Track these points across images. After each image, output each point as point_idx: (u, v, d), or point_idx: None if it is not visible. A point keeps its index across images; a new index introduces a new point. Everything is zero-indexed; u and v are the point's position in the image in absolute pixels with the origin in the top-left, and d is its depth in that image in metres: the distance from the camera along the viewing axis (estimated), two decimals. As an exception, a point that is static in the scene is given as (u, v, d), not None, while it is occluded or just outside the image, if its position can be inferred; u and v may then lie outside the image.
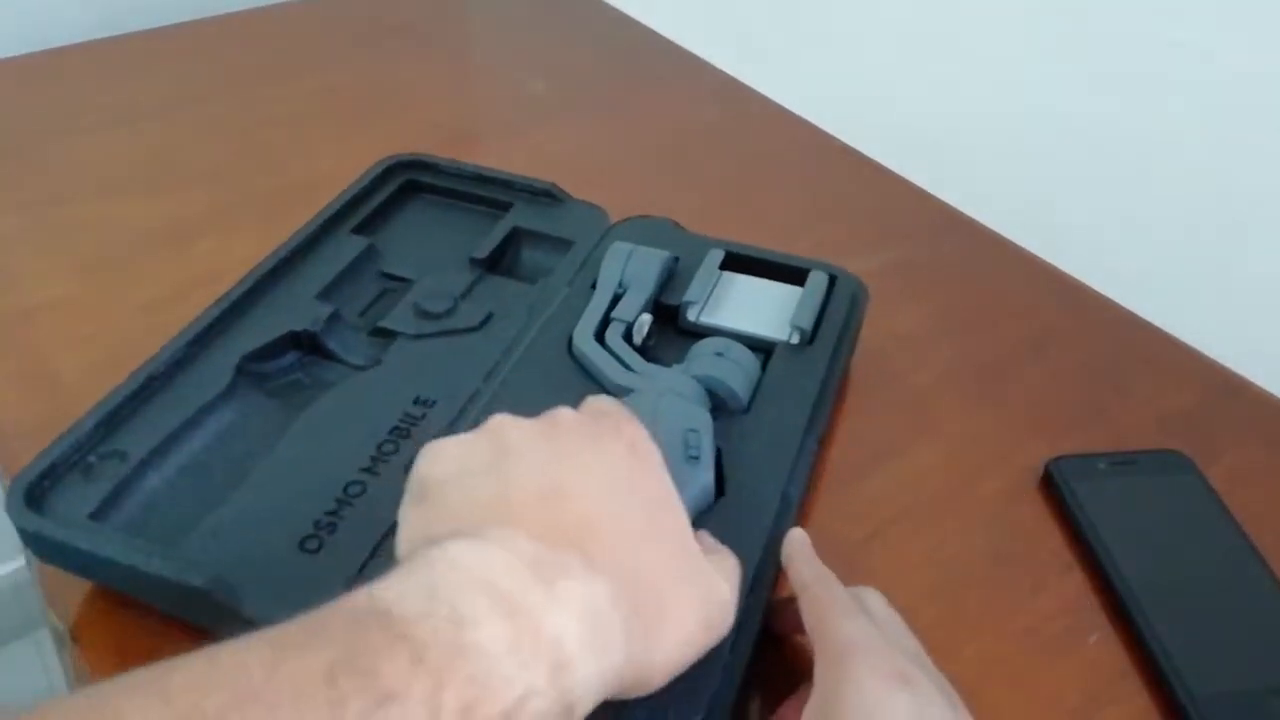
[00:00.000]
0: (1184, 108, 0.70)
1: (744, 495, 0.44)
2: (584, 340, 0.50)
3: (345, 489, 0.44)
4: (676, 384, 0.47)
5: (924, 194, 0.71)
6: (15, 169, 0.71)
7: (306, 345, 0.51)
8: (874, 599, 0.38)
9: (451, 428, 0.46)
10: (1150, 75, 0.72)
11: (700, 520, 0.42)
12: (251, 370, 0.49)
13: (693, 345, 0.51)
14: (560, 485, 0.32)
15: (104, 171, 0.71)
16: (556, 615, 0.29)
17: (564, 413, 0.36)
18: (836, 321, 0.53)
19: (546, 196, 0.61)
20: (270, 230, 0.56)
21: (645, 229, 0.58)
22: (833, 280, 0.55)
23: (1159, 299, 0.61)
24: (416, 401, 0.48)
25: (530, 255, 0.60)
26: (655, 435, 0.43)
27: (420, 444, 0.45)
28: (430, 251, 0.59)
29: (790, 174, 0.75)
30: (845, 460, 0.51)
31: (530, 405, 0.42)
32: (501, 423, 0.36)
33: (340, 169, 0.62)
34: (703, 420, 0.45)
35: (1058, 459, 0.50)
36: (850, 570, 0.45)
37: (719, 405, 0.48)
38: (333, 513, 0.42)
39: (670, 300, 0.54)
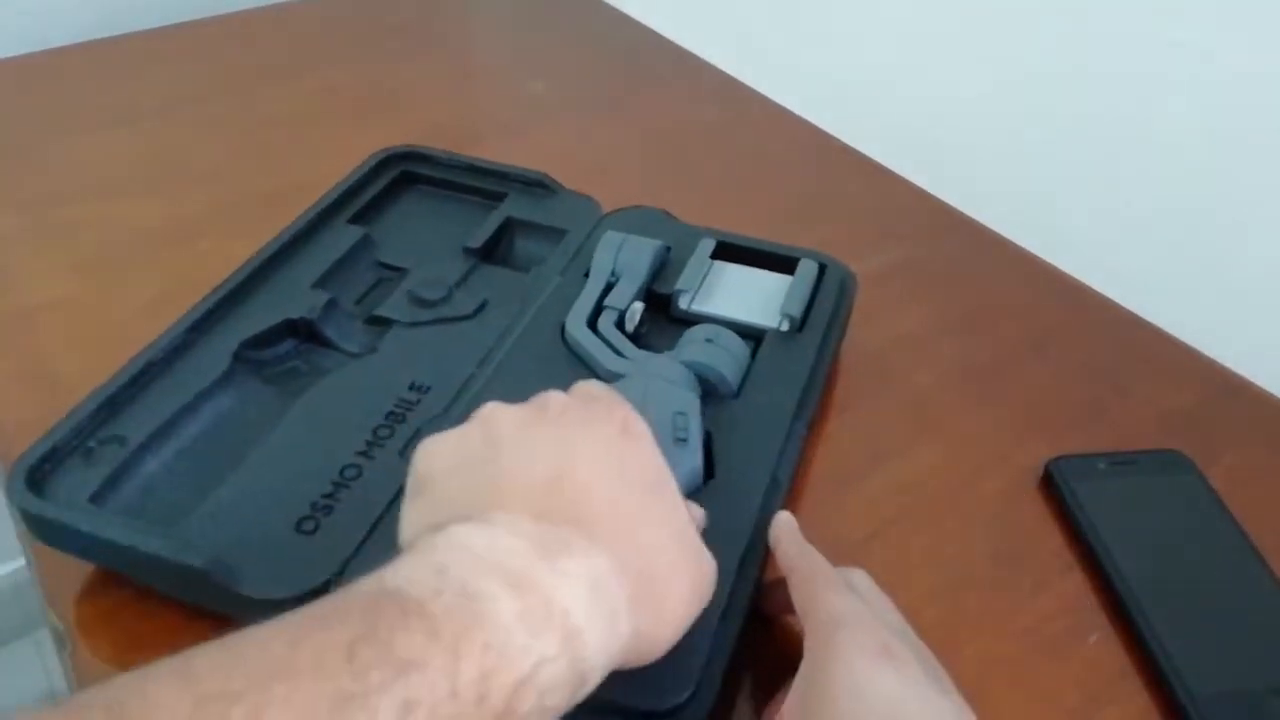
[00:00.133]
0: (1184, 108, 0.70)
1: (733, 478, 0.44)
2: (577, 327, 0.51)
3: (341, 472, 0.44)
4: (666, 370, 0.48)
5: (924, 194, 0.71)
6: (15, 169, 0.71)
7: (303, 333, 0.52)
8: (860, 578, 0.39)
9: (446, 413, 0.47)
10: (1150, 75, 0.72)
11: (689, 502, 0.43)
12: (249, 357, 0.50)
13: (684, 332, 0.51)
14: (557, 468, 0.33)
15: (104, 171, 0.71)
16: (564, 588, 0.29)
17: (554, 397, 0.37)
18: (826, 309, 0.53)
19: (539, 187, 0.62)
20: (270, 231, 0.56)
21: (637, 219, 0.59)
22: (822, 269, 0.55)
23: (1159, 299, 0.61)
24: (411, 387, 0.49)
25: (524, 244, 0.60)
26: (644, 418, 0.44)
27: (415, 429, 0.46)
28: (425, 241, 0.59)
29: (790, 173, 0.75)
30: (845, 460, 0.51)
31: (524, 391, 0.43)
32: (493, 411, 0.36)
33: (340, 169, 0.62)
34: (690, 403, 0.46)
35: (1058, 459, 0.50)
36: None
37: (709, 391, 0.49)
38: (329, 495, 0.43)
39: (662, 289, 0.55)
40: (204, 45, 0.89)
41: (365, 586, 0.28)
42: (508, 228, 0.60)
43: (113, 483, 0.43)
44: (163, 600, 0.42)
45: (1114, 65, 0.74)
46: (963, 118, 0.87)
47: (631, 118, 0.81)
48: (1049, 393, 0.55)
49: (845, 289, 0.56)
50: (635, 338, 0.53)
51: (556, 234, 0.59)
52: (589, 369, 0.50)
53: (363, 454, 0.45)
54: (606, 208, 0.61)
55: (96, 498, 0.42)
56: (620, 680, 0.35)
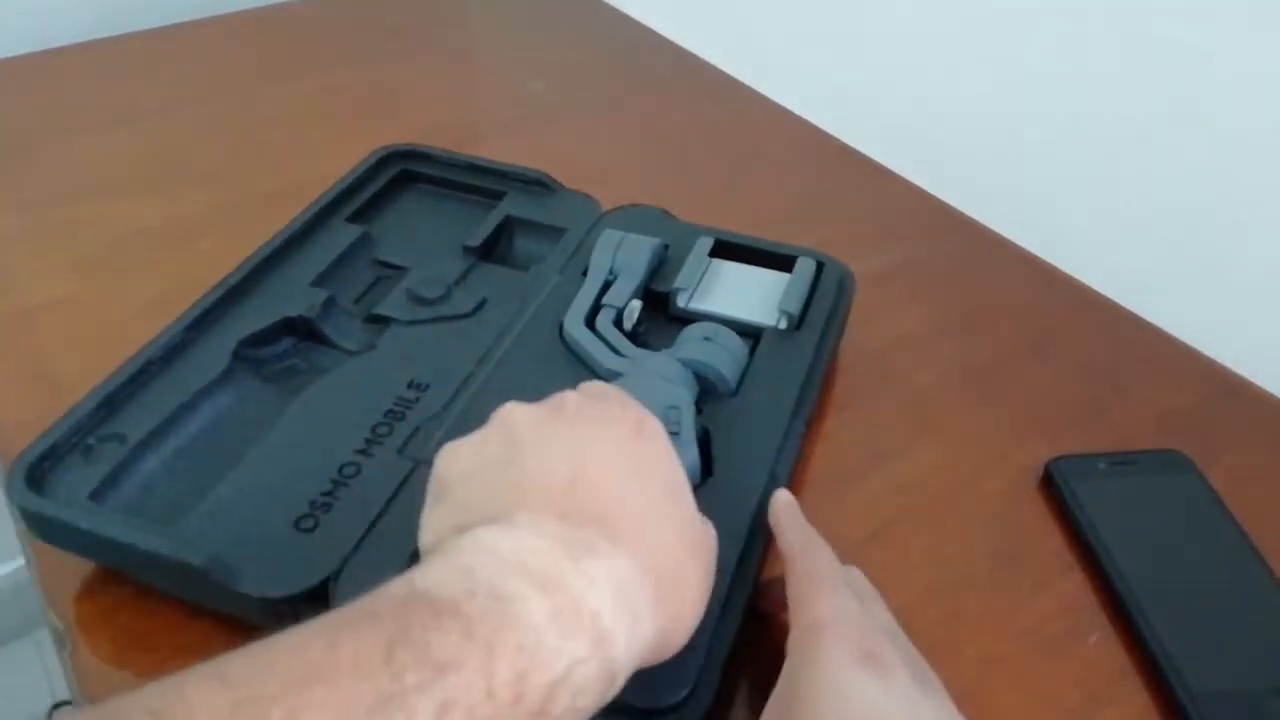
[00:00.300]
0: (1184, 108, 0.70)
1: (732, 475, 0.44)
2: (575, 326, 0.51)
3: (340, 470, 0.44)
4: (664, 368, 0.48)
5: (924, 194, 0.71)
6: (15, 169, 0.71)
7: (302, 331, 0.52)
8: (855, 576, 0.39)
9: (445, 411, 0.47)
10: (1150, 75, 0.72)
11: None
12: (248, 355, 0.50)
13: (682, 330, 0.51)
14: (578, 469, 0.33)
15: (104, 171, 0.71)
16: (591, 590, 0.29)
17: (569, 397, 0.37)
18: (824, 307, 0.54)
19: (538, 185, 0.62)
20: (270, 231, 0.56)
21: (636, 217, 0.59)
22: (820, 267, 0.55)
23: (1159, 299, 0.61)
24: (410, 385, 0.49)
25: (523, 243, 0.60)
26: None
27: (414, 427, 0.46)
28: (424, 239, 0.59)
29: (789, 173, 0.75)
30: (845, 460, 0.51)
31: (522, 389, 0.43)
32: (511, 412, 0.36)
33: (340, 169, 0.62)
34: (682, 398, 0.46)
35: (1058, 459, 0.50)
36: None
37: (708, 389, 0.49)
38: (328, 493, 0.43)
39: (660, 287, 0.55)
40: (204, 45, 0.89)
41: (395, 590, 0.28)
42: (507, 226, 0.60)
43: (112, 481, 0.43)
44: (162, 599, 0.42)
45: (1114, 65, 0.74)
46: (963, 118, 0.87)
47: (631, 118, 0.81)
48: (1049, 393, 0.55)
49: (843, 287, 0.56)
50: (633, 336, 0.53)
51: (555, 232, 0.59)
52: (587, 367, 0.50)
53: (362, 452, 0.45)
54: (606, 206, 0.61)
55: (96, 495, 0.42)
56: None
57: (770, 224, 0.60)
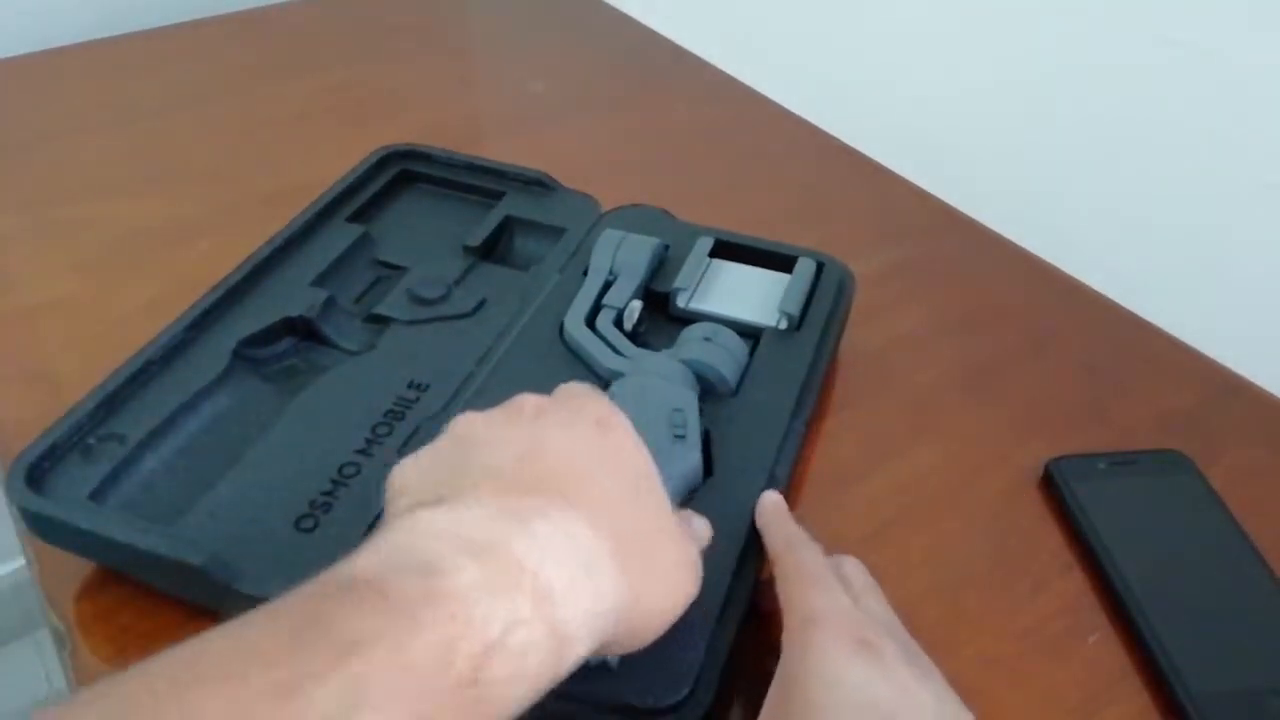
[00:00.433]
0: (1184, 108, 0.70)
1: (732, 475, 0.44)
2: (575, 326, 0.51)
3: (340, 470, 0.44)
4: (664, 368, 0.48)
5: (923, 193, 0.71)
6: (15, 169, 0.71)
7: (302, 331, 0.52)
8: (852, 566, 0.39)
9: (445, 411, 0.47)
10: (1150, 75, 0.72)
11: (689, 499, 0.43)
12: (248, 355, 0.50)
13: (682, 331, 0.51)
14: (534, 447, 0.33)
15: (104, 171, 0.71)
16: (533, 549, 0.28)
17: (528, 399, 0.36)
18: (824, 307, 0.54)
19: (538, 185, 0.62)
20: (270, 230, 0.56)
21: (636, 217, 0.59)
22: (820, 267, 0.55)
23: (1159, 299, 0.61)
24: (410, 385, 0.49)
25: (523, 243, 0.60)
26: (642, 417, 0.44)
27: (414, 426, 0.46)
28: (424, 239, 0.60)
29: (790, 173, 0.75)
30: (845, 460, 0.51)
31: (522, 389, 0.43)
32: (463, 418, 0.35)
33: (340, 169, 0.62)
34: (687, 400, 0.46)
35: (1058, 459, 0.50)
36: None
37: (708, 389, 0.49)
38: (328, 493, 0.43)
39: (660, 287, 0.55)
40: (204, 45, 0.89)
41: (321, 576, 0.27)
42: (507, 226, 0.60)
43: (112, 480, 0.43)
44: (162, 598, 0.42)
45: (1114, 65, 0.74)
46: (963, 118, 0.87)
47: (631, 118, 0.81)
48: (1049, 393, 0.55)
49: (843, 287, 0.56)
50: (634, 336, 0.53)
51: (555, 232, 0.59)
52: (587, 367, 0.50)
53: (361, 452, 0.45)
54: (606, 207, 0.61)
55: (96, 495, 0.42)
56: (618, 678, 0.36)
57: (769, 223, 0.60)
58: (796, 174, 0.75)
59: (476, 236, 0.58)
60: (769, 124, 0.80)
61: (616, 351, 0.50)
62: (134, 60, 0.86)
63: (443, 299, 0.54)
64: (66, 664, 0.42)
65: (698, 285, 0.55)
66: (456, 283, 0.56)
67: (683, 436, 0.44)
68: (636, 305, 0.53)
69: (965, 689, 0.35)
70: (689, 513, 0.39)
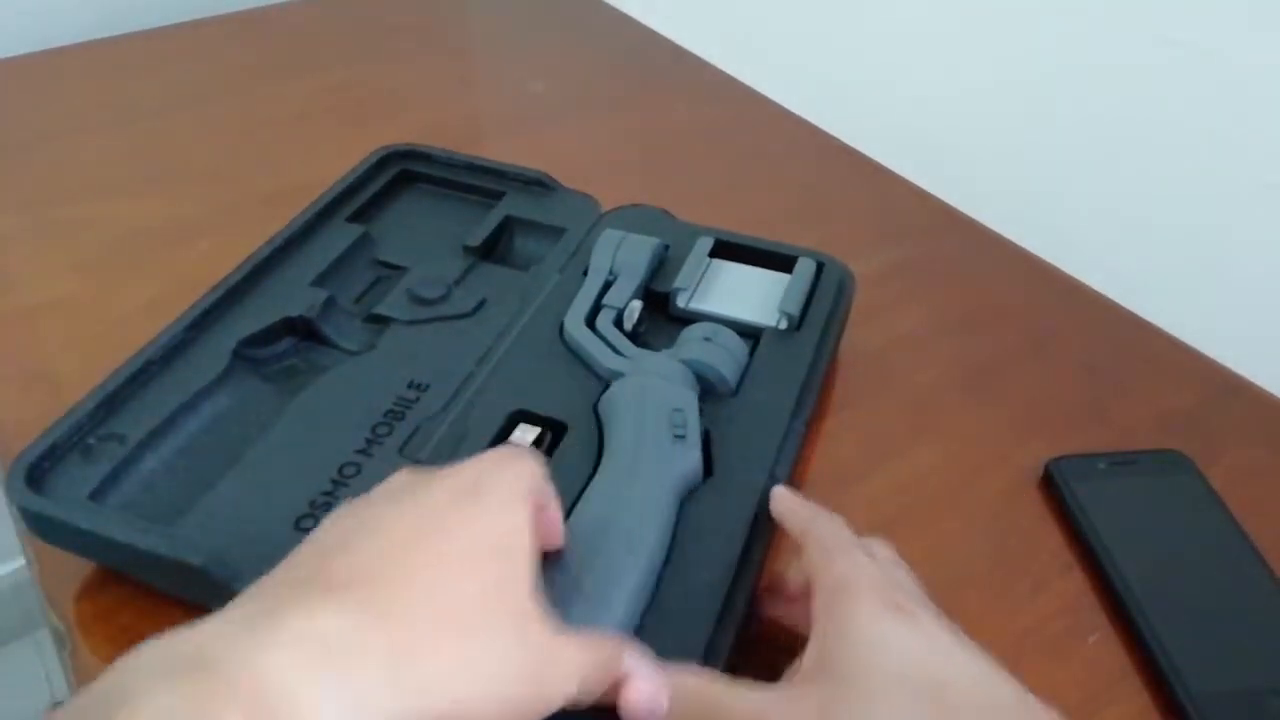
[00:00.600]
0: (1184, 108, 0.70)
1: (732, 476, 0.44)
2: (575, 326, 0.51)
3: (340, 470, 0.44)
4: (664, 368, 0.48)
5: (923, 193, 0.71)
6: (15, 169, 0.71)
7: (302, 331, 0.52)
8: (880, 547, 0.38)
9: (445, 410, 0.47)
10: (1150, 75, 0.72)
11: (689, 499, 0.43)
12: (248, 355, 0.50)
13: (682, 331, 0.51)
14: (345, 538, 0.30)
15: (104, 171, 0.71)
16: (258, 662, 0.25)
17: (398, 476, 0.34)
18: (824, 307, 0.54)
19: (538, 185, 0.62)
20: (270, 231, 0.56)
21: (636, 217, 0.59)
22: (820, 267, 0.55)
23: (1159, 299, 0.61)
24: (410, 385, 0.49)
25: (523, 243, 0.60)
26: (642, 417, 0.44)
27: (414, 426, 0.46)
28: (424, 239, 0.59)
29: (790, 173, 0.75)
30: (845, 460, 0.51)
31: (522, 389, 0.43)
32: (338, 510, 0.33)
33: (340, 169, 0.62)
34: (687, 400, 0.46)
35: (1058, 459, 0.50)
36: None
37: (708, 389, 0.49)
38: (328, 493, 0.43)
39: (660, 287, 0.55)
40: (204, 45, 0.89)
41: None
42: (507, 226, 0.60)
43: (112, 480, 0.43)
44: (162, 598, 0.42)
45: (1114, 65, 0.74)
46: (963, 118, 0.87)
47: (631, 118, 0.81)
48: (1049, 393, 0.55)
49: (843, 287, 0.56)
50: (634, 336, 0.53)
51: (555, 232, 0.59)
52: (587, 367, 0.50)
53: (361, 452, 0.45)
54: (606, 207, 0.61)
55: (96, 495, 0.42)
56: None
57: (769, 223, 0.60)
58: (796, 174, 0.75)
59: (476, 236, 0.58)
60: (769, 124, 0.80)
61: (616, 351, 0.50)
62: (134, 60, 0.86)
63: (443, 299, 0.54)
64: (66, 664, 0.42)
65: (698, 285, 0.55)
66: (456, 283, 0.56)
67: (683, 436, 0.44)
68: (636, 305, 0.53)
69: (965, 689, 0.35)
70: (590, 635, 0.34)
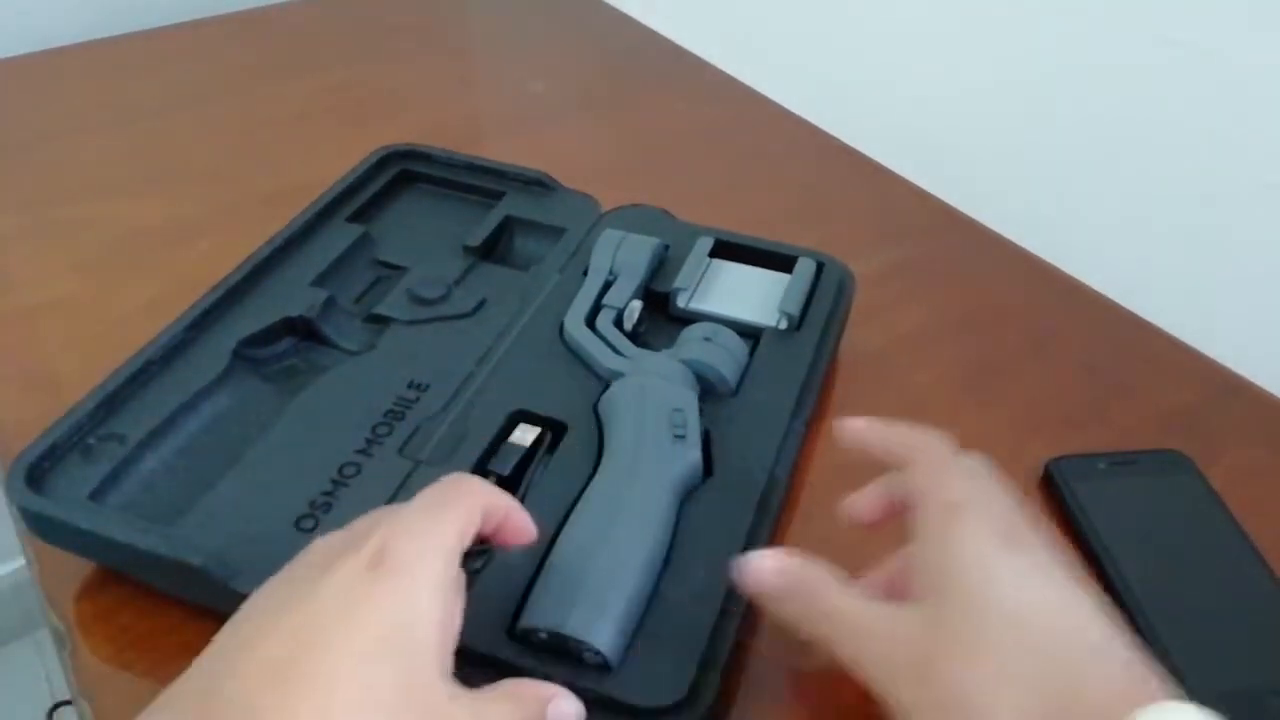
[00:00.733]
0: (1184, 108, 0.70)
1: (732, 475, 0.45)
2: (575, 326, 0.51)
3: (340, 470, 0.44)
4: (664, 368, 0.48)
5: (924, 194, 0.71)
6: (15, 169, 0.71)
7: (302, 331, 0.52)
8: (980, 465, 0.37)
9: (445, 410, 0.47)
10: (1150, 75, 0.72)
11: (689, 499, 0.43)
12: (248, 355, 0.50)
13: (682, 331, 0.51)
14: (241, 644, 0.29)
15: (104, 171, 0.71)
16: None
17: (315, 545, 0.33)
18: (824, 307, 0.54)
19: (538, 185, 0.62)
20: (270, 231, 0.56)
21: (636, 217, 0.59)
22: (820, 267, 0.55)
23: (1159, 299, 0.61)
24: (410, 385, 0.49)
25: (523, 243, 0.60)
26: (642, 417, 0.44)
27: (414, 426, 0.46)
28: (424, 239, 0.60)
29: (790, 174, 0.75)
30: (845, 460, 0.51)
31: (522, 389, 0.42)
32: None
33: (340, 169, 0.62)
34: (688, 400, 0.46)
35: (1058, 459, 0.50)
36: (850, 570, 0.45)
37: (708, 389, 0.49)
38: (328, 493, 0.43)
39: (660, 287, 0.55)
40: (204, 45, 0.89)
41: None
42: (507, 226, 0.60)
43: (112, 480, 0.43)
44: (162, 599, 0.42)
45: (1114, 65, 0.74)
46: (963, 118, 0.87)
47: (631, 118, 0.81)
48: (1049, 393, 0.55)
49: (843, 287, 0.56)
50: (634, 336, 0.53)
51: (555, 232, 0.59)
52: (587, 367, 0.50)
53: (362, 452, 0.45)
54: (606, 207, 0.61)
55: (96, 495, 0.42)
56: (618, 677, 0.36)
57: (769, 223, 0.60)
58: (796, 174, 0.75)
59: (476, 236, 0.58)
60: (769, 124, 0.80)
61: (616, 351, 0.50)
62: (134, 60, 0.86)
63: (443, 299, 0.54)
64: (66, 664, 0.42)
65: (698, 285, 0.55)
66: (456, 283, 0.56)
67: (683, 436, 0.44)
68: (636, 305, 0.53)
69: (965, 689, 0.35)
70: (509, 690, 0.33)
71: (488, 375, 0.49)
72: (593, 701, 0.35)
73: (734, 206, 0.67)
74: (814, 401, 0.50)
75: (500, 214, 0.60)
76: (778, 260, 0.56)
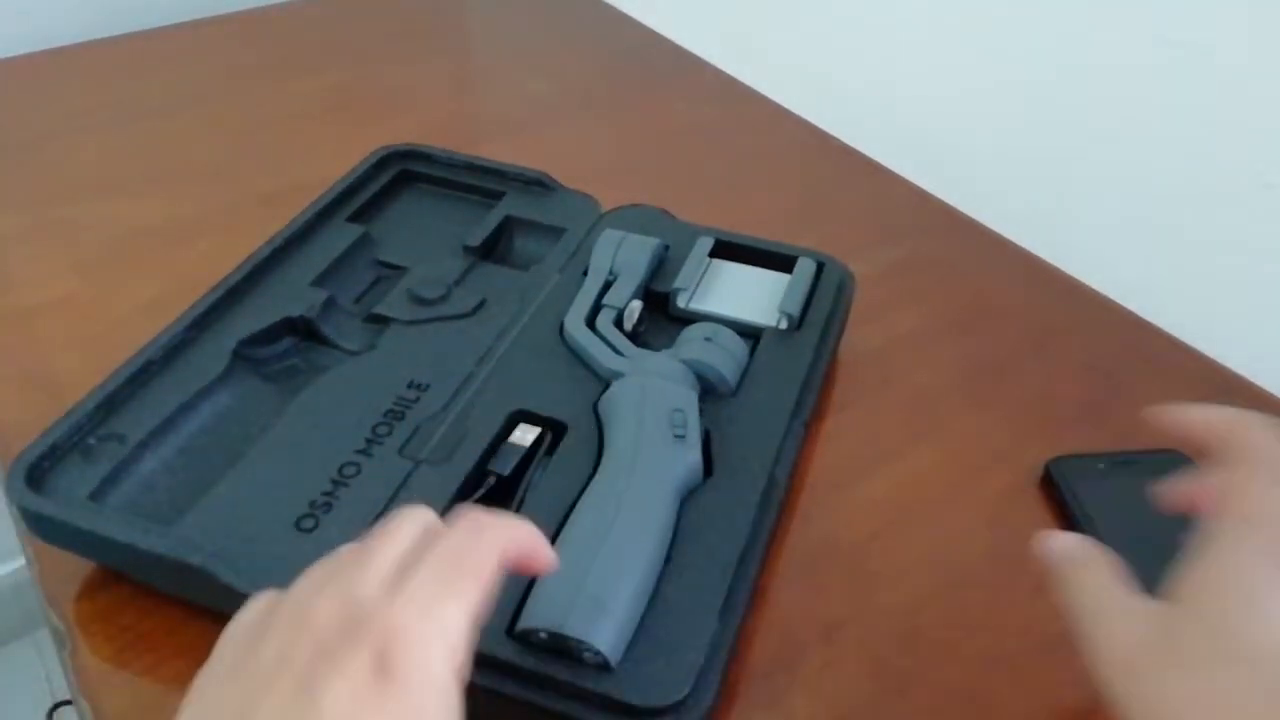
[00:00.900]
0: (1184, 108, 0.70)
1: (732, 475, 0.45)
2: (575, 326, 0.51)
3: (340, 470, 0.44)
4: (664, 368, 0.48)
5: (924, 194, 0.71)
6: (15, 169, 0.71)
7: (302, 331, 0.52)
8: None
9: (445, 410, 0.47)
10: (1150, 75, 0.72)
11: (689, 499, 0.43)
12: (248, 355, 0.50)
13: (682, 331, 0.51)
14: None
15: (104, 171, 0.71)
16: None
17: (295, 598, 0.29)
18: (824, 308, 0.54)
19: (538, 185, 0.62)
20: (270, 230, 0.56)
21: (636, 217, 0.59)
22: (820, 267, 0.55)
23: (1159, 299, 0.61)
24: (410, 385, 0.49)
25: (523, 243, 0.60)
26: (642, 417, 0.44)
27: (414, 426, 0.46)
28: (424, 239, 0.60)
29: (790, 174, 0.75)
30: (845, 460, 0.51)
31: (522, 389, 0.42)
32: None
33: (340, 169, 0.62)
34: (688, 400, 0.46)
35: (1058, 459, 0.50)
36: (850, 570, 0.45)
37: (708, 389, 0.49)
38: (328, 493, 0.43)
39: (660, 287, 0.55)
40: (204, 45, 0.89)
41: None
42: (507, 226, 0.60)
43: (112, 480, 0.43)
44: (162, 598, 0.42)
45: (1114, 65, 0.74)
46: (963, 118, 0.87)
47: (631, 118, 0.81)
48: (1049, 393, 0.55)
49: (843, 287, 0.56)
50: (634, 336, 0.53)
51: (555, 232, 0.59)
52: (587, 367, 0.50)
53: (362, 452, 0.45)
54: (606, 207, 0.61)
55: (96, 495, 0.42)
56: (618, 677, 0.36)
57: (769, 223, 0.60)
58: (796, 174, 0.75)
59: (476, 236, 0.58)
60: (769, 124, 0.80)
61: (616, 351, 0.50)
62: (134, 60, 0.86)
63: (443, 299, 0.54)
64: (66, 664, 0.42)
65: (698, 285, 0.55)
66: (456, 283, 0.56)
67: (683, 436, 0.44)
68: (636, 305, 0.53)
69: (965, 689, 0.35)
70: None
71: (488, 375, 0.49)
72: (593, 703, 0.35)
73: (734, 206, 0.67)
74: (814, 401, 0.50)
75: (500, 214, 0.60)
76: (778, 260, 0.56)
